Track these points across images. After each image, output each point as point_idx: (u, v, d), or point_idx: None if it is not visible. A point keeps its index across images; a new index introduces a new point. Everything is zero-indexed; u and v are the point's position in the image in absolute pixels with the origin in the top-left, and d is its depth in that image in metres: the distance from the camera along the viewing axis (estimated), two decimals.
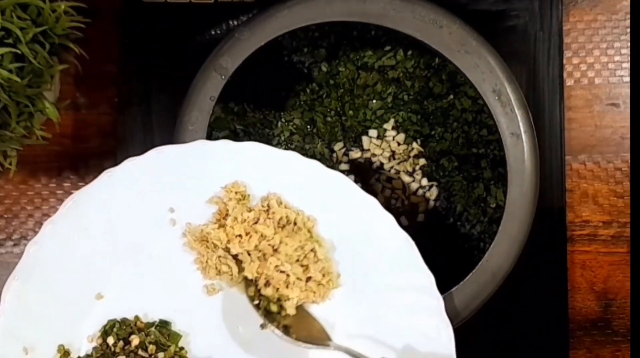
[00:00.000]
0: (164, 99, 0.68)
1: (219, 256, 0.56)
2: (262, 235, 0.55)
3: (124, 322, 0.56)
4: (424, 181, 0.70)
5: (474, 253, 0.67)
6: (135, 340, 0.54)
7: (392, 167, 0.71)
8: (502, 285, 0.59)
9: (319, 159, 0.69)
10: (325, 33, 0.68)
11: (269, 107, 0.70)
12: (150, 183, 0.56)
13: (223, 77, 0.59)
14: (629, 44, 0.68)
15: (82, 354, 0.55)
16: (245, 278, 0.56)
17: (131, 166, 0.55)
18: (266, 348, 0.56)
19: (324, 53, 0.69)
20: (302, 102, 0.70)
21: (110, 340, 0.55)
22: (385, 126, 0.71)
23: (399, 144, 0.71)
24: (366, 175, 0.71)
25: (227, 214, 0.56)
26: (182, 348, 0.56)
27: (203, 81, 0.59)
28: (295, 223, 0.56)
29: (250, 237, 0.55)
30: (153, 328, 0.55)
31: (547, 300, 0.68)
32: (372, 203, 0.56)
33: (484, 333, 0.65)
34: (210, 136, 0.59)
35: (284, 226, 0.56)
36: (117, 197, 0.55)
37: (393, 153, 0.71)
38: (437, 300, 0.55)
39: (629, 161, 0.68)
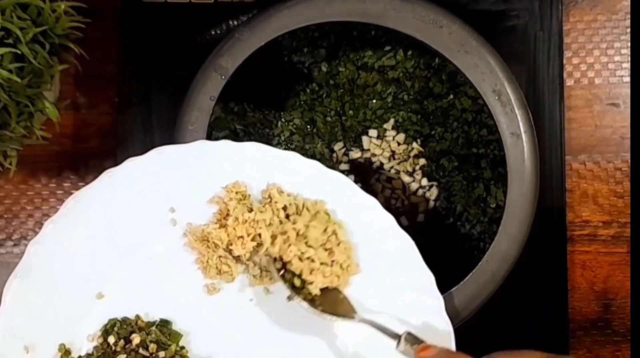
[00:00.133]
0: (164, 99, 0.68)
1: (220, 256, 0.56)
2: (269, 224, 0.55)
3: (124, 321, 0.56)
4: (424, 181, 0.70)
5: (474, 253, 0.67)
6: (136, 339, 0.54)
7: (392, 167, 0.71)
8: (502, 285, 0.59)
9: (319, 159, 0.70)
10: (325, 33, 0.68)
11: (269, 107, 0.70)
12: (151, 183, 0.56)
13: (223, 77, 0.59)
14: (629, 44, 0.68)
15: (82, 353, 0.55)
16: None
17: (132, 166, 0.55)
18: (267, 346, 0.56)
19: (324, 53, 0.69)
20: (302, 102, 0.70)
21: (111, 339, 0.55)
22: (385, 126, 0.71)
23: (399, 144, 0.71)
24: (366, 175, 0.71)
25: (227, 214, 0.56)
26: (182, 348, 0.56)
27: (203, 81, 0.59)
28: (306, 208, 0.56)
29: (252, 238, 0.55)
30: (154, 328, 0.55)
31: (547, 300, 0.68)
32: (372, 203, 0.56)
33: (484, 333, 0.64)
34: (210, 136, 0.59)
35: (288, 215, 0.56)
36: (117, 197, 0.56)
37: (393, 153, 0.71)
38: (437, 300, 0.55)
39: (629, 161, 0.68)
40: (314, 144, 0.70)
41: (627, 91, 0.68)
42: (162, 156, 0.56)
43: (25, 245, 0.54)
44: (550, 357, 0.43)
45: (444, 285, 0.56)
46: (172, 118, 0.62)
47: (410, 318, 0.55)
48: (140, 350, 0.54)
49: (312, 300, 0.54)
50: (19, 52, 0.53)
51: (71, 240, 0.55)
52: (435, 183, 0.70)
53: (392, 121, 0.70)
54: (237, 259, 0.56)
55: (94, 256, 0.56)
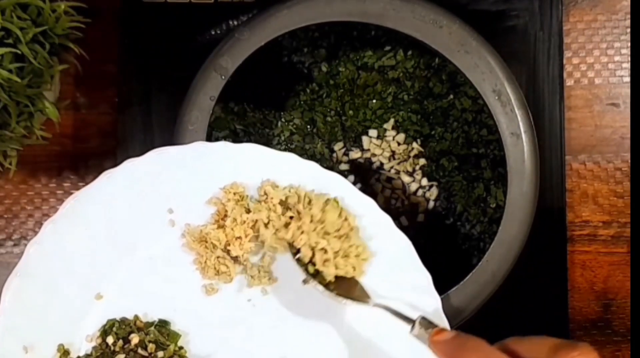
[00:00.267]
0: (164, 99, 0.68)
1: (218, 257, 0.56)
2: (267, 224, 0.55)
3: (123, 321, 0.56)
4: (424, 181, 0.70)
5: (474, 253, 0.67)
6: (135, 339, 0.55)
7: (392, 167, 0.71)
8: (502, 285, 0.59)
9: (319, 159, 0.70)
10: (325, 33, 0.68)
11: (269, 107, 0.70)
12: (150, 184, 0.56)
13: (223, 77, 0.59)
14: (629, 44, 0.68)
15: (81, 354, 0.55)
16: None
17: (131, 167, 0.55)
18: (265, 346, 0.56)
19: (324, 53, 0.69)
20: (302, 102, 0.70)
21: (110, 340, 0.55)
22: (385, 126, 0.71)
23: (399, 144, 0.71)
24: (366, 175, 0.71)
25: (225, 215, 0.56)
26: (181, 348, 0.56)
27: (203, 81, 0.59)
28: (308, 197, 0.55)
29: (250, 238, 0.55)
30: (152, 328, 0.55)
31: (547, 300, 0.68)
32: (369, 204, 0.56)
33: (484, 333, 0.64)
34: (210, 136, 0.59)
35: (288, 208, 0.56)
36: (116, 197, 0.56)
37: (393, 153, 0.71)
38: (435, 300, 0.55)
39: (629, 161, 0.68)
40: (314, 144, 0.70)
41: (627, 91, 0.68)
42: (160, 157, 0.56)
43: (25, 245, 0.54)
44: (564, 343, 0.43)
45: (444, 285, 0.56)
46: (172, 118, 0.62)
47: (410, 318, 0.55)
48: (139, 350, 0.54)
49: (327, 285, 0.54)
50: (19, 52, 0.53)
51: (70, 241, 0.55)
52: (435, 183, 0.70)
53: (392, 121, 0.70)
54: (235, 259, 0.56)
55: (93, 256, 0.56)
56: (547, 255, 0.67)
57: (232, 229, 0.55)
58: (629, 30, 0.68)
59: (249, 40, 0.59)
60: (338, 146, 0.71)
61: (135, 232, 0.56)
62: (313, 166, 0.56)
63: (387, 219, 0.56)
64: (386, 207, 0.69)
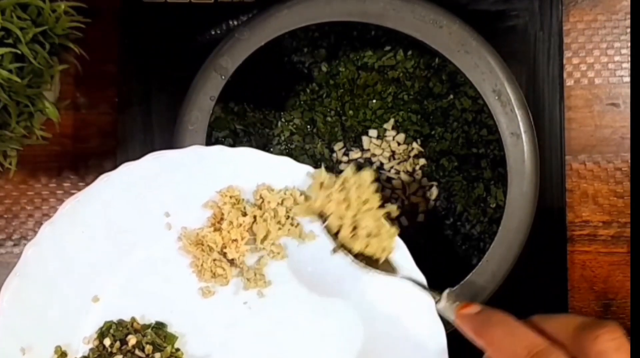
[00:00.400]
0: (164, 99, 0.68)
1: (214, 260, 0.56)
2: (267, 233, 0.56)
3: (120, 323, 0.56)
4: (424, 181, 0.70)
5: (474, 253, 0.67)
6: (132, 340, 0.55)
7: (392, 167, 0.71)
8: (502, 285, 0.59)
9: (319, 159, 0.70)
10: (325, 33, 0.68)
11: (269, 107, 0.70)
12: (146, 188, 0.56)
13: (223, 77, 0.59)
14: (629, 44, 0.68)
15: (78, 355, 0.55)
16: None
17: (128, 170, 0.56)
18: (261, 349, 0.57)
19: (324, 53, 0.69)
20: (302, 102, 0.70)
21: (107, 342, 0.55)
22: (385, 126, 0.71)
23: (399, 144, 0.71)
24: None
25: (222, 218, 0.56)
26: (177, 350, 0.56)
27: (203, 81, 0.59)
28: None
29: (244, 240, 0.56)
30: (149, 330, 0.55)
31: (547, 300, 0.68)
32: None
33: None
34: (210, 136, 0.59)
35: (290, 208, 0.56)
36: (113, 201, 0.56)
37: (393, 152, 0.71)
38: (429, 302, 0.55)
39: (629, 161, 0.68)
40: (314, 144, 0.70)
41: (627, 91, 0.68)
42: (157, 161, 0.56)
43: (25, 245, 0.54)
44: (591, 321, 0.43)
45: (443, 285, 0.56)
46: (172, 118, 0.62)
47: (403, 319, 0.55)
48: (136, 352, 0.54)
49: (355, 256, 0.55)
50: (19, 52, 0.53)
51: (67, 243, 0.55)
52: (435, 183, 0.70)
53: (392, 121, 0.70)
54: (232, 262, 0.57)
55: (90, 259, 0.56)
56: (547, 255, 0.67)
57: (228, 232, 0.56)
58: (629, 30, 0.68)
59: (249, 40, 0.59)
60: (338, 146, 0.71)
61: (132, 235, 0.56)
62: (309, 169, 0.57)
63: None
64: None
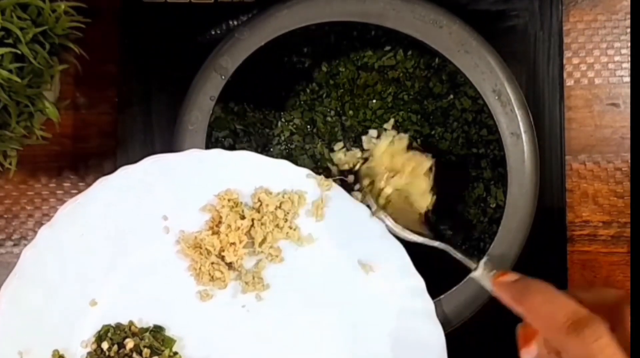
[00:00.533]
0: (164, 99, 0.68)
1: (212, 263, 0.56)
2: (265, 235, 0.56)
3: (118, 327, 0.56)
4: None
5: (474, 253, 0.67)
6: (130, 344, 0.55)
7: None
8: None
9: (319, 159, 0.70)
10: (325, 33, 0.68)
11: (269, 107, 0.70)
12: (144, 191, 0.56)
13: (223, 77, 0.59)
14: (629, 44, 0.68)
15: None
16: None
17: (126, 174, 0.56)
18: (258, 352, 0.57)
19: (324, 53, 0.69)
20: (302, 102, 0.70)
21: (105, 345, 0.55)
22: (385, 126, 0.70)
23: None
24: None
25: (220, 222, 0.56)
26: (175, 353, 0.56)
27: (203, 81, 0.59)
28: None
29: (242, 243, 0.56)
30: (147, 333, 0.56)
31: None
32: (362, 211, 0.56)
33: (484, 334, 0.65)
34: (210, 136, 0.59)
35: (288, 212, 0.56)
36: (112, 204, 0.56)
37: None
38: (429, 304, 0.55)
39: (629, 161, 0.68)
40: (314, 144, 0.70)
41: (627, 91, 0.68)
42: (155, 164, 0.56)
43: (25, 245, 0.55)
44: (625, 293, 0.43)
45: (443, 286, 0.56)
46: (172, 118, 0.62)
47: (401, 322, 0.55)
48: (134, 356, 0.55)
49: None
50: (19, 52, 0.53)
51: (65, 246, 0.56)
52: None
53: (392, 121, 0.70)
54: (230, 266, 0.57)
55: (88, 262, 0.56)
56: (547, 255, 0.67)
57: (226, 235, 0.56)
58: (629, 30, 0.68)
59: (249, 40, 0.59)
60: (338, 146, 0.71)
61: (130, 238, 0.56)
62: (307, 172, 0.57)
63: (379, 225, 0.56)
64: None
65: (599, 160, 0.69)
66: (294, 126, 0.70)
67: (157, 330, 0.56)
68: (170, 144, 0.60)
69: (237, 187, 0.57)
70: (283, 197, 0.56)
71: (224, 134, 0.68)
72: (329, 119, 0.70)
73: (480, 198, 0.67)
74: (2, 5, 0.52)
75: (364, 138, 0.71)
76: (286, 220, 0.56)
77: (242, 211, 0.56)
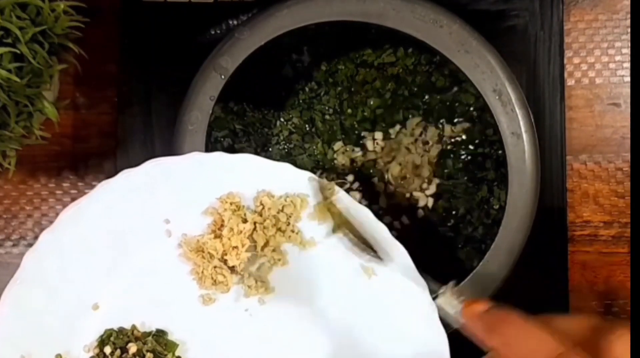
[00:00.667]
0: (164, 99, 0.68)
1: (215, 267, 0.56)
2: (267, 239, 0.56)
3: (121, 331, 0.56)
4: (427, 181, 0.70)
5: (475, 255, 0.67)
6: (132, 348, 0.55)
7: (389, 162, 0.70)
8: (502, 286, 0.59)
9: (319, 158, 0.70)
10: (325, 32, 0.68)
11: (268, 107, 0.70)
12: (146, 194, 0.56)
13: (223, 77, 0.59)
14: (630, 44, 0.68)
15: None
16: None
17: (127, 177, 0.55)
18: (262, 356, 0.56)
19: (323, 52, 0.69)
20: (300, 101, 0.70)
21: (107, 350, 0.55)
22: (391, 130, 0.70)
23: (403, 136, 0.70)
24: (367, 173, 0.70)
25: (222, 225, 0.56)
26: (178, 357, 0.56)
27: (203, 80, 0.59)
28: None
29: (244, 247, 0.56)
30: (150, 338, 0.55)
31: (548, 301, 0.67)
32: (365, 213, 0.56)
33: None
34: (209, 136, 0.59)
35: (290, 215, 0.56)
36: (113, 208, 0.56)
37: (395, 148, 0.70)
38: (431, 308, 0.55)
39: (630, 161, 0.68)
40: (313, 143, 0.70)
41: (628, 90, 0.68)
42: (157, 167, 0.56)
43: (25, 246, 0.55)
44: (604, 323, 0.41)
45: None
46: (172, 118, 0.62)
47: (405, 327, 0.55)
48: None
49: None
50: (18, 51, 0.53)
51: (66, 250, 0.55)
52: (437, 180, 0.70)
53: (392, 119, 0.70)
54: (232, 269, 0.56)
55: (90, 266, 0.56)
56: (547, 255, 0.67)
57: (229, 239, 0.55)
58: (630, 29, 0.68)
59: (249, 40, 0.59)
60: (338, 145, 0.70)
61: (131, 242, 0.56)
62: (309, 175, 0.56)
63: (382, 227, 0.56)
64: (387, 205, 0.69)
65: (599, 160, 0.69)
66: (293, 126, 0.70)
67: (160, 334, 0.56)
68: (170, 144, 0.60)
69: (239, 190, 0.56)
70: (285, 200, 0.56)
71: (223, 134, 0.68)
72: (327, 117, 0.70)
73: (484, 200, 0.67)
74: (1, 5, 0.52)
75: (364, 134, 0.70)
76: (288, 223, 0.56)
77: (244, 214, 0.56)
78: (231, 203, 0.56)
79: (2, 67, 0.52)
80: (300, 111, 0.70)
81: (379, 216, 0.56)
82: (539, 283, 0.67)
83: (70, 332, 0.55)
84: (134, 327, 0.56)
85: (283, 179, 0.56)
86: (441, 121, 0.70)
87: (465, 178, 0.69)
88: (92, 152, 0.68)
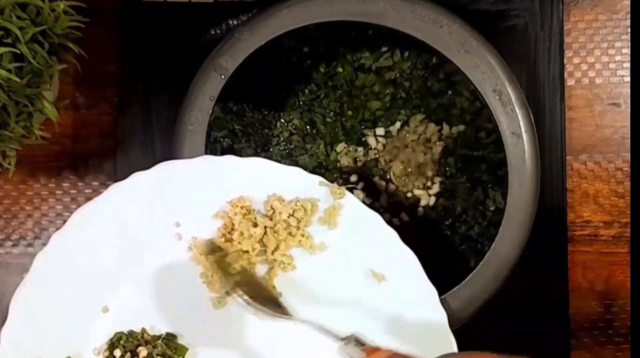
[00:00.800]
0: (164, 99, 0.68)
1: None
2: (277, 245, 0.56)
3: (130, 334, 0.56)
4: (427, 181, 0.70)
5: (472, 254, 0.67)
6: (143, 352, 0.54)
7: (391, 160, 0.70)
8: (502, 286, 0.59)
9: (321, 159, 0.70)
10: (324, 33, 0.68)
11: (268, 108, 0.70)
12: (157, 198, 0.56)
13: (223, 77, 0.59)
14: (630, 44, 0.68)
15: None
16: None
17: (137, 180, 0.56)
18: None
19: (322, 53, 0.69)
20: (301, 103, 0.70)
21: (117, 353, 0.55)
22: (385, 124, 0.70)
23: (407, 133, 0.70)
24: (369, 173, 0.70)
25: (232, 229, 0.56)
26: None
27: (203, 80, 0.59)
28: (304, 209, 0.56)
29: (255, 251, 0.56)
30: (160, 341, 0.55)
31: (548, 301, 0.67)
32: (375, 219, 0.56)
33: (484, 334, 0.64)
34: (209, 136, 0.59)
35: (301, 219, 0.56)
36: (123, 211, 0.56)
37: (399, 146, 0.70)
38: (441, 315, 0.55)
39: (630, 161, 0.68)
40: (314, 144, 0.70)
41: (628, 90, 0.68)
42: (167, 170, 0.56)
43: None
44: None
45: (444, 286, 0.56)
46: (172, 118, 0.62)
47: (415, 335, 0.55)
48: None
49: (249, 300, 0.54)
50: (18, 51, 0.53)
51: (77, 253, 0.55)
52: (439, 178, 0.70)
53: (393, 119, 0.70)
54: None
55: (100, 269, 0.56)
56: (547, 255, 0.67)
57: (239, 243, 0.55)
58: (630, 29, 0.68)
59: (249, 40, 0.59)
60: (340, 147, 0.70)
61: (141, 245, 0.56)
62: (319, 180, 0.56)
63: (392, 233, 0.56)
64: (388, 204, 0.69)
65: (599, 160, 0.69)
66: (294, 127, 0.70)
67: (170, 338, 0.56)
68: (170, 144, 0.60)
69: (250, 194, 0.56)
70: (296, 205, 0.56)
71: (223, 135, 0.68)
72: (328, 120, 0.70)
73: (479, 201, 0.67)
74: (1, 5, 0.52)
75: (366, 132, 0.70)
76: (298, 228, 0.56)
77: (255, 218, 0.56)
78: (242, 207, 0.56)
79: (2, 67, 0.52)
80: (301, 113, 0.70)
81: (378, 214, 0.56)
82: (539, 283, 0.67)
83: (80, 335, 0.56)
84: (144, 330, 0.56)
85: (294, 184, 0.56)
86: (440, 121, 0.70)
87: (464, 177, 0.69)
88: (92, 152, 0.68)
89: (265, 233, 0.56)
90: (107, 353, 0.55)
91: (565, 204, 0.67)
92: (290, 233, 0.56)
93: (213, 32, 0.68)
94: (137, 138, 0.67)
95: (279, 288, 0.57)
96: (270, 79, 0.69)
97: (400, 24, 0.58)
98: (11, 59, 0.53)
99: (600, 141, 0.69)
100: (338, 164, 0.70)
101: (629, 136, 0.68)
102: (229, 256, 0.55)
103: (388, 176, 0.70)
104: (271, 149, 0.69)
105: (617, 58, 0.68)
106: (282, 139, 0.70)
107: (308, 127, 0.70)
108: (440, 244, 0.69)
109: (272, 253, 0.56)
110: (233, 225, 0.56)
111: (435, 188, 0.70)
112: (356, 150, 0.71)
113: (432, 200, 0.70)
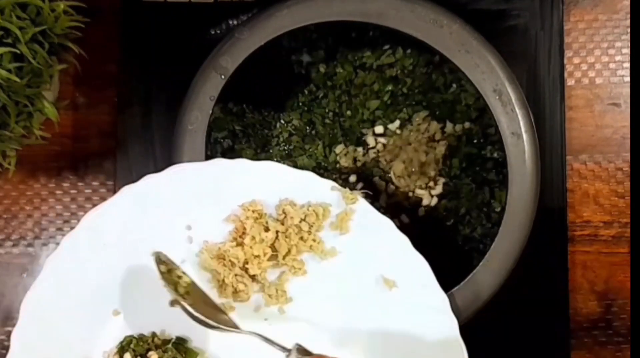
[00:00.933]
0: (164, 99, 0.68)
1: (236, 275, 0.55)
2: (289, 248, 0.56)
3: (140, 338, 0.56)
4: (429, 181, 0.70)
5: (474, 254, 0.67)
6: (153, 356, 0.54)
7: (391, 159, 0.70)
8: (503, 285, 0.59)
9: (320, 160, 0.70)
10: (324, 33, 0.68)
11: (268, 108, 0.70)
12: (168, 200, 0.56)
13: (223, 77, 0.59)
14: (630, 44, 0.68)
15: None
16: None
17: (149, 182, 0.55)
18: None
19: (322, 54, 0.69)
20: (300, 104, 0.70)
21: (127, 356, 0.55)
22: (390, 126, 0.70)
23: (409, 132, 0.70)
24: (369, 173, 0.70)
25: (244, 233, 0.56)
26: None
27: (203, 80, 0.59)
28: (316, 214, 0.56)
29: (266, 256, 0.56)
30: (170, 345, 0.55)
31: (548, 301, 0.67)
32: (387, 224, 0.56)
33: (484, 334, 0.64)
34: (209, 137, 0.59)
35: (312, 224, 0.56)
36: (134, 213, 0.56)
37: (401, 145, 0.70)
38: (451, 321, 0.54)
39: (630, 161, 0.68)
40: (313, 145, 0.70)
41: (628, 90, 0.68)
42: (179, 173, 0.56)
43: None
44: None
45: (444, 286, 0.56)
46: (172, 118, 0.62)
47: (426, 339, 0.55)
48: None
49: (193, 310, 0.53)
50: (18, 51, 0.53)
51: (88, 256, 0.55)
52: (442, 179, 0.70)
53: (393, 118, 0.70)
54: (253, 278, 0.56)
55: (111, 272, 0.56)
56: (547, 255, 0.67)
57: (250, 247, 0.55)
58: (630, 29, 0.68)
59: (249, 40, 0.59)
60: (339, 148, 0.70)
61: (152, 248, 0.55)
62: (332, 184, 0.56)
63: (404, 239, 0.55)
64: (388, 204, 0.69)
65: (600, 160, 0.69)
66: (293, 127, 0.70)
67: (180, 342, 0.56)
68: (170, 144, 0.60)
69: (262, 198, 0.56)
70: (308, 209, 0.56)
71: (223, 135, 0.68)
72: (327, 121, 0.70)
73: (485, 202, 0.67)
74: (1, 5, 0.52)
75: (364, 131, 0.70)
76: (310, 233, 0.56)
77: (266, 222, 0.56)
78: (253, 211, 0.55)
79: (2, 67, 0.52)
80: (300, 113, 0.70)
81: None
82: (539, 283, 0.67)
83: (90, 338, 0.56)
84: (154, 334, 0.56)
85: (306, 188, 0.56)
86: (443, 119, 0.70)
87: (470, 178, 0.68)
88: (92, 152, 0.68)
89: (276, 237, 0.56)
90: (116, 357, 0.55)
91: (566, 204, 0.67)
92: (301, 238, 0.56)
93: (213, 32, 0.68)
94: (137, 138, 0.67)
95: (290, 294, 0.56)
96: (270, 79, 0.69)
97: (400, 24, 0.58)
98: (11, 59, 0.53)
99: (601, 141, 0.69)
100: (337, 165, 0.70)
101: (629, 136, 0.68)
102: (178, 269, 0.54)
103: (388, 176, 0.70)
104: (271, 150, 0.69)
105: (617, 58, 0.68)
106: (281, 139, 0.70)
107: (307, 127, 0.70)
108: (440, 245, 0.69)
109: (284, 257, 0.56)
110: (244, 228, 0.55)
111: (438, 189, 0.69)
112: (355, 150, 0.71)
113: (434, 201, 0.69)
